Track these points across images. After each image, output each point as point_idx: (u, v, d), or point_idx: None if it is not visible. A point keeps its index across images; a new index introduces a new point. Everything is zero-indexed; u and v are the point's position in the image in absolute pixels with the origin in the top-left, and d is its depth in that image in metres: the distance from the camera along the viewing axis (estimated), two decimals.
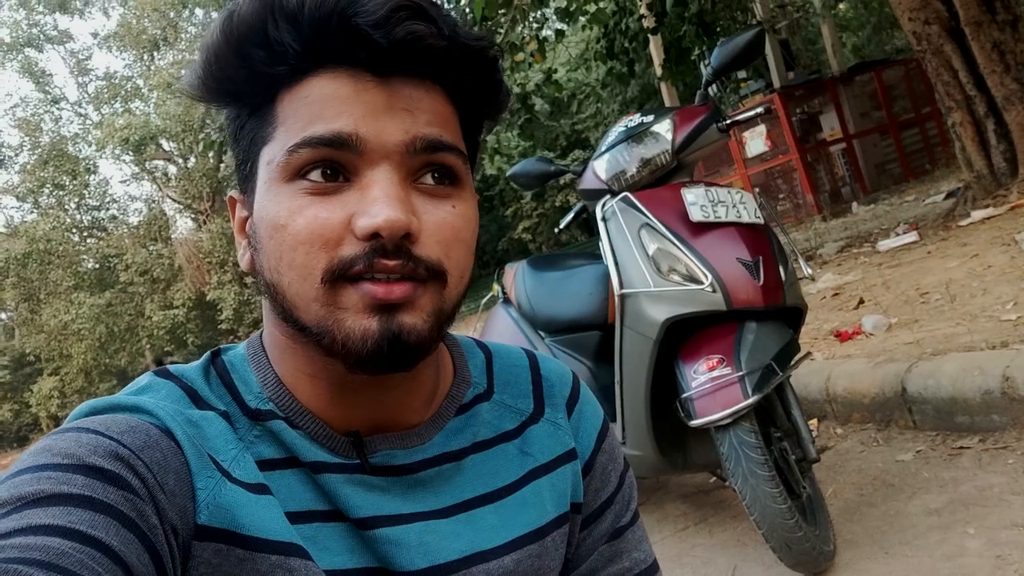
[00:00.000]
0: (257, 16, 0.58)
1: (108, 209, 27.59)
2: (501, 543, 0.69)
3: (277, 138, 0.61)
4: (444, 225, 0.62)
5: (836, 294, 5.04)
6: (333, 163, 0.59)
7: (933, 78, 6.59)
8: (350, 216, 0.58)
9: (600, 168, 2.48)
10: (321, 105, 0.59)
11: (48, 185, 25.53)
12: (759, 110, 2.44)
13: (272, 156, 0.61)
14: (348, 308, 0.59)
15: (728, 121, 2.40)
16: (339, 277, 0.58)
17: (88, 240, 26.79)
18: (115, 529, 0.49)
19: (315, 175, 0.59)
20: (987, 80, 6.09)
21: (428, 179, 0.62)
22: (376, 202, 0.58)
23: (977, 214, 5.79)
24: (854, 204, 11.64)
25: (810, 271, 2.41)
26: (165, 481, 0.56)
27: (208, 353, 0.70)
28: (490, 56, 0.64)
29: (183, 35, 26.51)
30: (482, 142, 0.74)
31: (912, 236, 6.19)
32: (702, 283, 2.13)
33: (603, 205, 2.39)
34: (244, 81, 0.62)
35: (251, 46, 0.59)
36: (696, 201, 2.22)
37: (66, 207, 26.22)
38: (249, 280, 23.57)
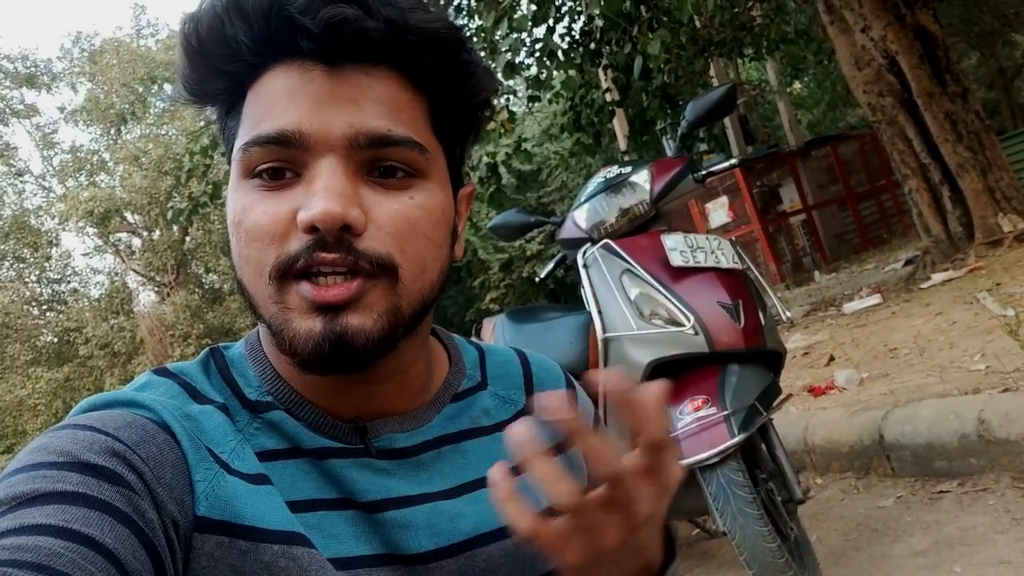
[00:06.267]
0: (215, 16, 0.59)
1: (69, 282, 27.14)
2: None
3: (240, 135, 0.62)
4: (397, 217, 0.60)
5: (806, 353, 5.10)
6: (281, 161, 0.60)
7: (889, 147, 6.85)
8: (296, 210, 0.58)
9: (580, 218, 2.53)
10: (271, 100, 0.60)
11: (9, 258, 25.18)
12: (733, 161, 2.52)
13: (236, 153, 0.62)
14: (295, 308, 0.58)
15: (704, 172, 2.47)
16: (285, 274, 0.58)
17: (48, 314, 26.26)
18: (110, 526, 0.48)
19: (266, 173, 0.60)
20: (940, 149, 6.34)
21: (376, 174, 0.61)
22: (315, 195, 0.57)
23: (937, 276, 5.95)
24: (816, 273, 11.89)
25: (789, 314, 2.45)
26: (162, 475, 0.55)
27: (207, 350, 0.70)
28: (446, 37, 0.62)
29: (151, 109, 26.67)
30: (491, 113, 0.71)
31: (876, 299, 6.33)
32: (684, 326, 2.16)
33: (584, 253, 2.42)
34: (212, 80, 0.63)
35: (212, 45, 0.60)
36: (676, 247, 2.26)
37: (26, 280, 25.81)
38: None
